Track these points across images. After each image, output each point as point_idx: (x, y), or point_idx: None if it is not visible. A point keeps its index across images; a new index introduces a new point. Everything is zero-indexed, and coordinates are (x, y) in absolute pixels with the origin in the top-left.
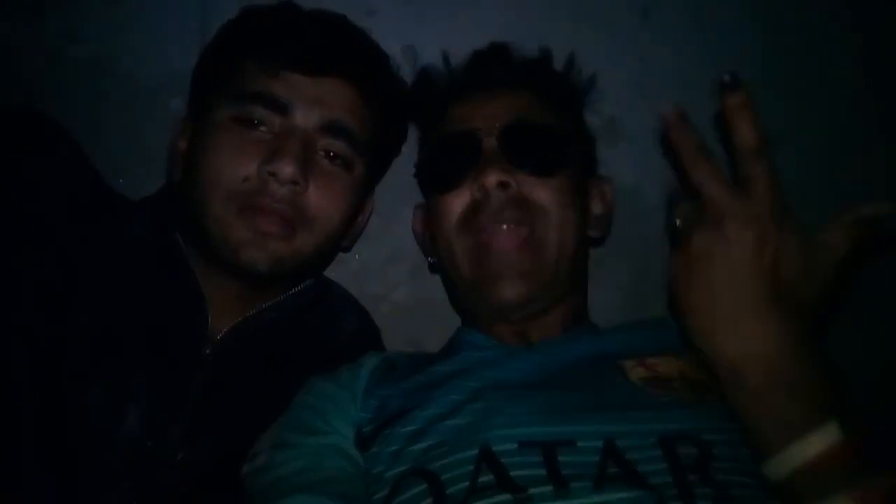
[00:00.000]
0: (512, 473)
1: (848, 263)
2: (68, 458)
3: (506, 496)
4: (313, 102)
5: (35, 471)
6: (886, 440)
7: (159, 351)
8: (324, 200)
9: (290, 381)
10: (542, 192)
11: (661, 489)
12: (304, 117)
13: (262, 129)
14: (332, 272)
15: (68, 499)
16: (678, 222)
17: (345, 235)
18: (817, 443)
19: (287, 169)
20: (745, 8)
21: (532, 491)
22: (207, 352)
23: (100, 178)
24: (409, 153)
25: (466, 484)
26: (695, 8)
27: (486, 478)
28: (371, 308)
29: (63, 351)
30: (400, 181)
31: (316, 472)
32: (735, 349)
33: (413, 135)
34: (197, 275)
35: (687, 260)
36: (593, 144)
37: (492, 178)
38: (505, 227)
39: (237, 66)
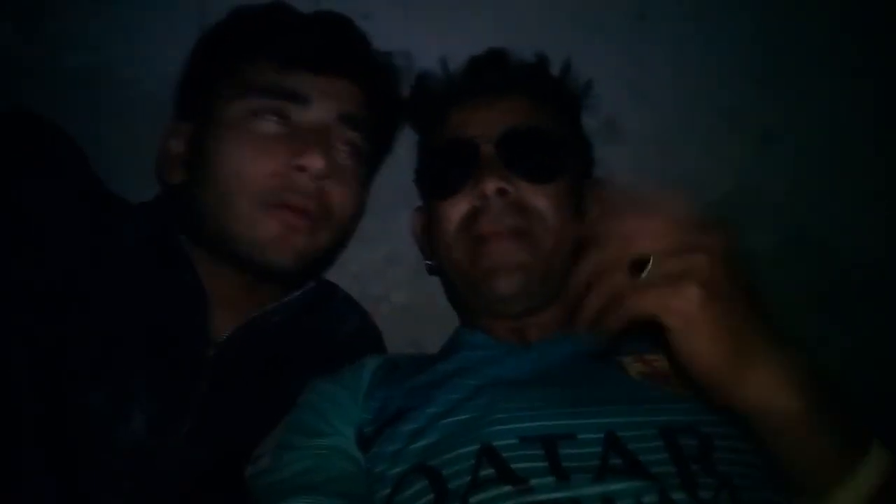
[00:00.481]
0: (513, 466)
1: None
2: (69, 459)
3: (507, 488)
4: (329, 96)
5: (35, 472)
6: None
7: (161, 352)
8: (344, 193)
9: (292, 383)
10: (540, 199)
11: (664, 479)
12: (325, 109)
13: (282, 123)
14: (331, 274)
15: (69, 500)
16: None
17: (352, 231)
18: (868, 478)
19: (318, 163)
20: (741, 9)
21: (533, 482)
22: (211, 353)
23: (99, 181)
24: (407, 156)
25: (468, 478)
26: (691, 10)
27: (487, 471)
28: (371, 310)
29: (64, 352)
30: (399, 183)
31: (319, 473)
32: (758, 392)
33: (412, 139)
34: (200, 275)
35: (685, 329)
36: (590, 148)
37: (490, 186)
38: (504, 231)
39: (243, 64)
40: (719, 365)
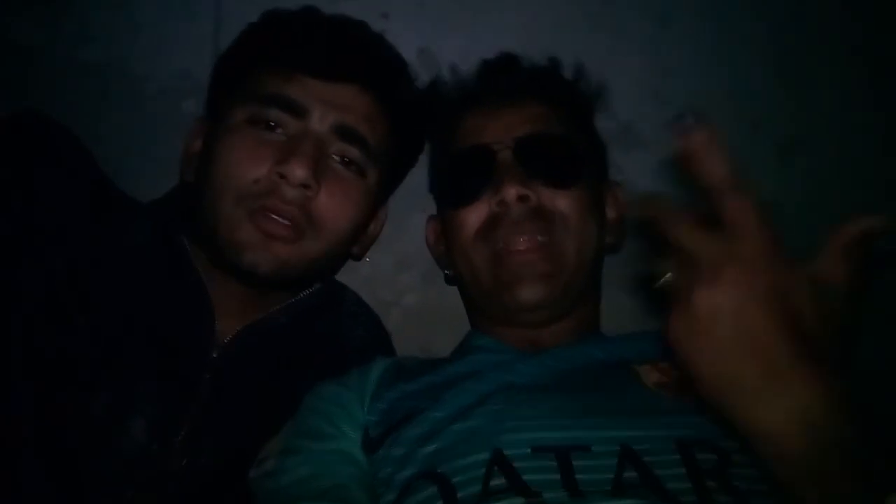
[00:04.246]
0: (525, 478)
1: (857, 291)
2: (70, 464)
3: (519, 500)
4: (329, 106)
5: (36, 477)
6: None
7: (164, 355)
8: (334, 205)
9: (297, 387)
10: (561, 203)
11: (679, 495)
12: (319, 120)
13: (278, 131)
14: (342, 278)
15: None
16: (669, 276)
17: (355, 242)
18: None
19: (298, 171)
20: (762, 15)
21: (546, 495)
22: (214, 356)
23: (107, 181)
24: (420, 160)
25: (478, 488)
26: (713, 16)
27: (498, 481)
28: (382, 314)
29: (66, 355)
30: (410, 187)
31: (323, 478)
32: (773, 419)
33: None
34: (203, 278)
35: (691, 324)
36: (605, 150)
37: (511, 192)
38: (525, 237)
39: (253, 69)
40: (741, 373)
